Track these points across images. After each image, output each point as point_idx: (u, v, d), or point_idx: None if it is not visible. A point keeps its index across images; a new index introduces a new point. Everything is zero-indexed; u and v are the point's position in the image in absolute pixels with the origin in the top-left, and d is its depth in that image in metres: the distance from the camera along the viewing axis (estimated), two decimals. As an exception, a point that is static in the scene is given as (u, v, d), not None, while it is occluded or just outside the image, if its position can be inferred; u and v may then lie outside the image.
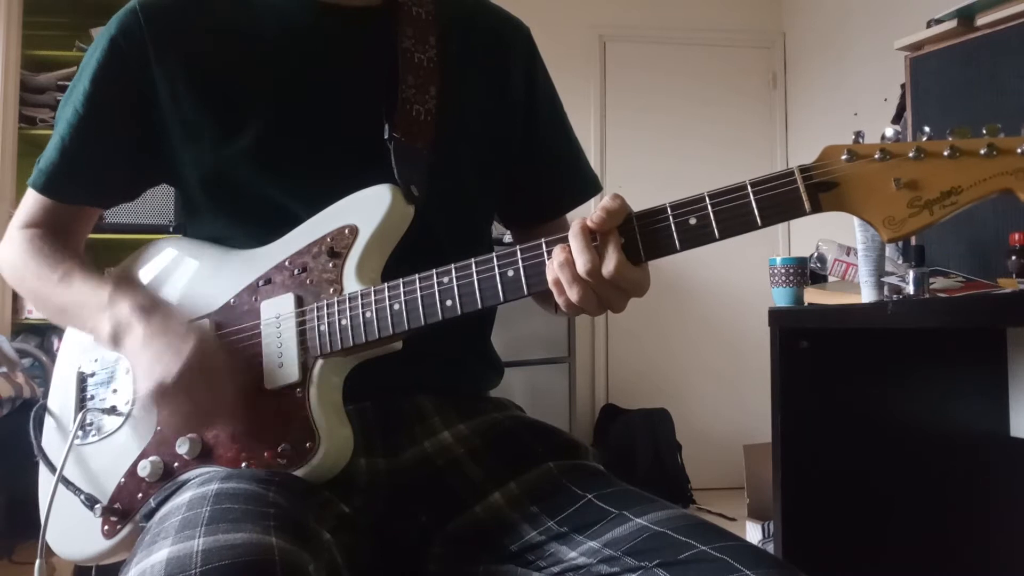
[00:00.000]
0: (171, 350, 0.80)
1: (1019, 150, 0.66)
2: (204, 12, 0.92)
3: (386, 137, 0.89)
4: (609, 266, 0.72)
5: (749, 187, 0.71)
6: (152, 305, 0.85)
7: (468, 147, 0.96)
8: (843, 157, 0.70)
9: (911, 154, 0.68)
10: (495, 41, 1.01)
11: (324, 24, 0.93)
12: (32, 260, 0.94)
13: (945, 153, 0.68)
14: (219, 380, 0.81)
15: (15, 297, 3.27)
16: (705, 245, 0.73)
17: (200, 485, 0.73)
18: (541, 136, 1.03)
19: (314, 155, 0.90)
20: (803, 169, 0.70)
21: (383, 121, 0.90)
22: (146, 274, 0.96)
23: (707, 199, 0.72)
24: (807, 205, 0.70)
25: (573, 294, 0.73)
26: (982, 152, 0.67)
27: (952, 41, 2.00)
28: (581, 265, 0.72)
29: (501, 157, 1.00)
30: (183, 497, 0.71)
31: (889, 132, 0.70)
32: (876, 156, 0.69)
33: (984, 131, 0.68)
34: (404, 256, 0.84)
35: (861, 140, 0.71)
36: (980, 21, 1.94)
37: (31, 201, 0.98)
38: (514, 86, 1.01)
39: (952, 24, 1.98)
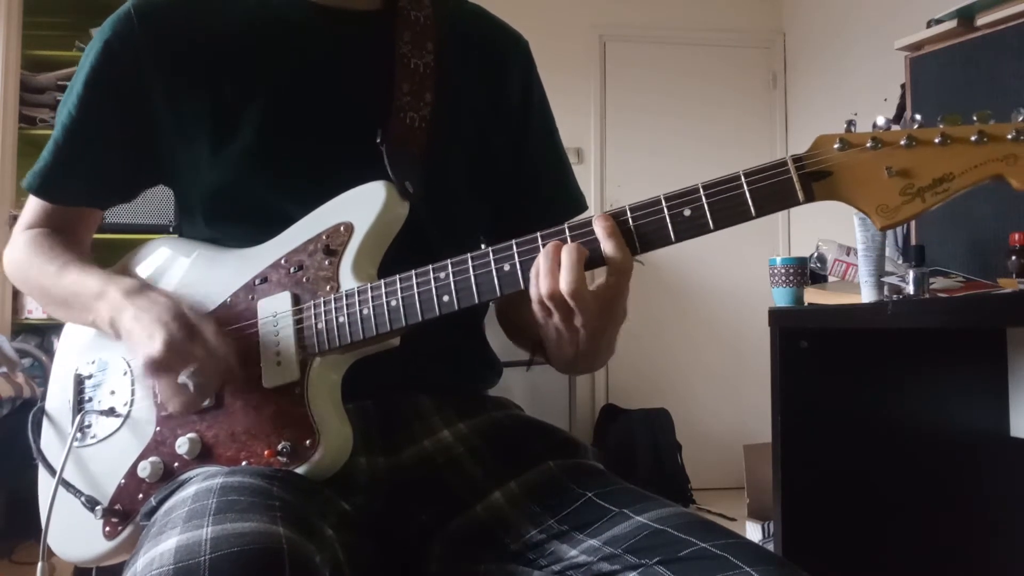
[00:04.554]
0: (161, 321, 0.80)
1: (1009, 136, 0.66)
2: (199, 14, 0.92)
3: (379, 141, 0.89)
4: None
5: (743, 177, 0.71)
6: (143, 287, 0.87)
7: (461, 154, 0.97)
8: (835, 146, 0.70)
9: (902, 142, 0.69)
10: (493, 52, 1.02)
11: (321, 26, 0.93)
12: (34, 257, 0.95)
13: (936, 140, 0.68)
14: (214, 349, 0.81)
15: (15, 297, 3.27)
16: (700, 236, 0.73)
17: (204, 480, 0.73)
18: (531, 150, 1.03)
19: (309, 157, 0.91)
20: (796, 159, 0.71)
21: (376, 127, 0.90)
22: (141, 274, 0.96)
23: (701, 190, 0.72)
24: (800, 194, 0.70)
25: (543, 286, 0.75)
26: (973, 139, 0.67)
27: (952, 41, 2.00)
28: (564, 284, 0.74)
29: (492, 166, 1.00)
30: (188, 491, 0.72)
31: (880, 120, 0.70)
32: (868, 145, 0.70)
33: (975, 118, 0.68)
34: (397, 255, 0.84)
35: (853, 129, 0.71)
36: (980, 21, 1.94)
37: (31, 204, 0.99)
38: (508, 98, 1.01)
39: (952, 24, 1.98)
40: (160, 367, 0.80)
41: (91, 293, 0.89)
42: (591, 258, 0.75)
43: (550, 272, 0.74)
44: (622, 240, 0.74)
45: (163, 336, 0.79)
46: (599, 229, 0.75)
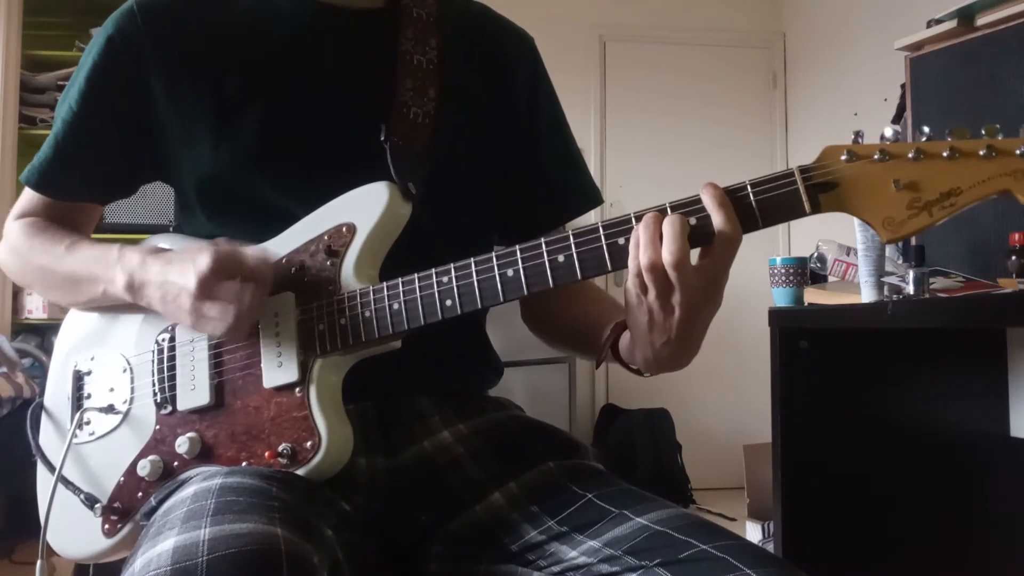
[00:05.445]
0: (189, 260, 0.79)
1: (1018, 151, 0.66)
2: (202, 11, 0.92)
3: (382, 139, 0.89)
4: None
5: (749, 187, 0.71)
6: (160, 250, 0.87)
7: (465, 151, 0.96)
8: (843, 157, 0.70)
9: (911, 155, 0.68)
10: (498, 51, 1.01)
11: (323, 25, 0.93)
12: (37, 238, 0.94)
13: (944, 154, 0.68)
14: (258, 259, 0.80)
15: (15, 297, 3.27)
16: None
17: (204, 480, 0.73)
18: (541, 147, 1.03)
19: (311, 156, 0.90)
20: (803, 169, 0.70)
21: (380, 123, 0.89)
22: None
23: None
24: (807, 206, 0.70)
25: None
26: (981, 153, 0.67)
27: (952, 41, 2.00)
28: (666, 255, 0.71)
29: (498, 164, 0.99)
30: (187, 491, 0.72)
31: (888, 132, 0.70)
32: (876, 157, 0.69)
33: (983, 132, 0.68)
34: (399, 256, 0.84)
35: (861, 140, 0.71)
36: (980, 21, 1.94)
37: (27, 197, 0.98)
38: (515, 96, 1.01)
39: (952, 24, 1.98)
40: (207, 287, 0.78)
41: (108, 260, 0.88)
42: (692, 232, 0.71)
43: (651, 242, 0.71)
44: (733, 211, 0.71)
45: (208, 255, 0.78)
46: (708, 199, 0.71)
